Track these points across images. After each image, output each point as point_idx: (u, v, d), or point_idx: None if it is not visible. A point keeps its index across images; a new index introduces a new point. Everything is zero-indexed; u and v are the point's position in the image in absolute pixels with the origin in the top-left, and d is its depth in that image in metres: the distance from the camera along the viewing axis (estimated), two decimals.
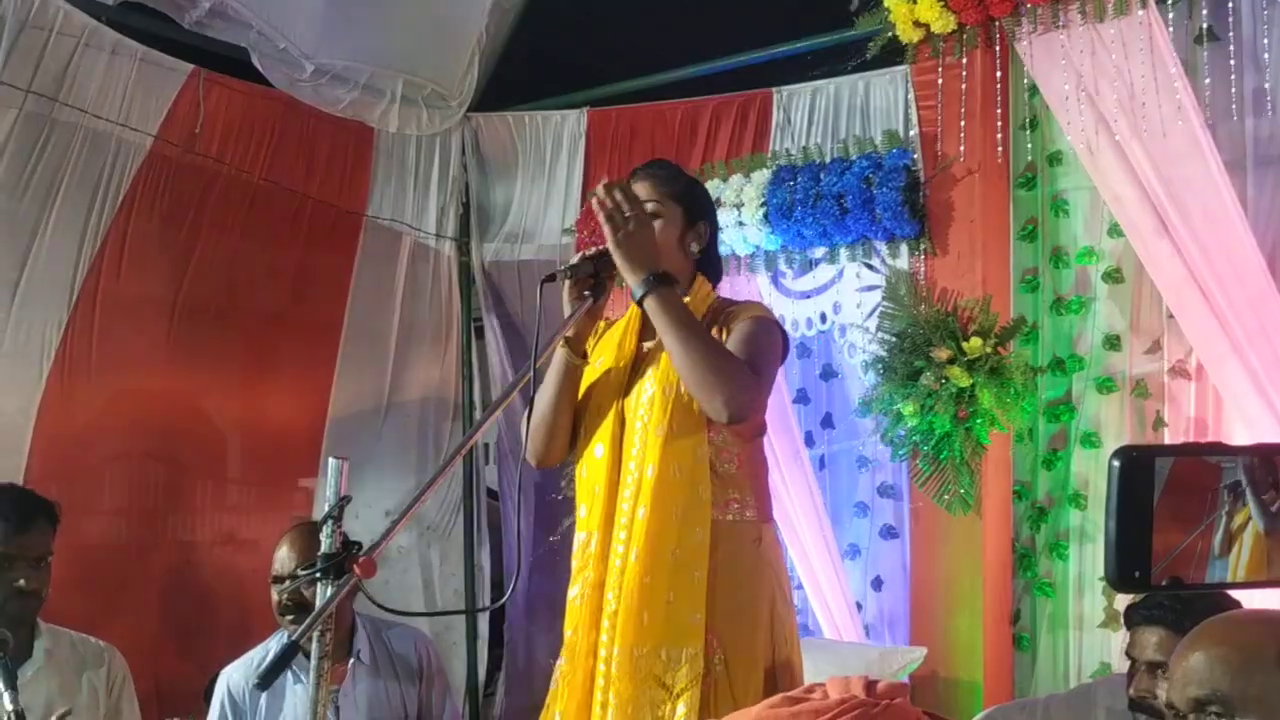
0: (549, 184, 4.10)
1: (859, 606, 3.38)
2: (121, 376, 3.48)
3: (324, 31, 3.73)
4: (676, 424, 2.16)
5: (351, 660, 2.82)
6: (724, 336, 2.22)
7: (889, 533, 3.36)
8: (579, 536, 2.26)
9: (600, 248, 2.23)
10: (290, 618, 2.69)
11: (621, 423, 2.23)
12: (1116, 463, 0.82)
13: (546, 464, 2.35)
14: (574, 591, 2.24)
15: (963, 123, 3.07)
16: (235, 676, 2.81)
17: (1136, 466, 0.82)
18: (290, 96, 3.72)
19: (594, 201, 2.12)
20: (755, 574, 2.18)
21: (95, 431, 3.44)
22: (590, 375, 2.32)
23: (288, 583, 2.71)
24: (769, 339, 2.25)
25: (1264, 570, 0.83)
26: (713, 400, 2.10)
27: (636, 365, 2.28)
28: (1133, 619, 2.28)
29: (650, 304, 2.11)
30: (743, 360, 2.14)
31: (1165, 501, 0.82)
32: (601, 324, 2.37)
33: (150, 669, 3.32)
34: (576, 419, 2.30)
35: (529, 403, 1.95)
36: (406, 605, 4.05)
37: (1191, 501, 0.83)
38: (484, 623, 4.29)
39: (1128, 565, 0.81)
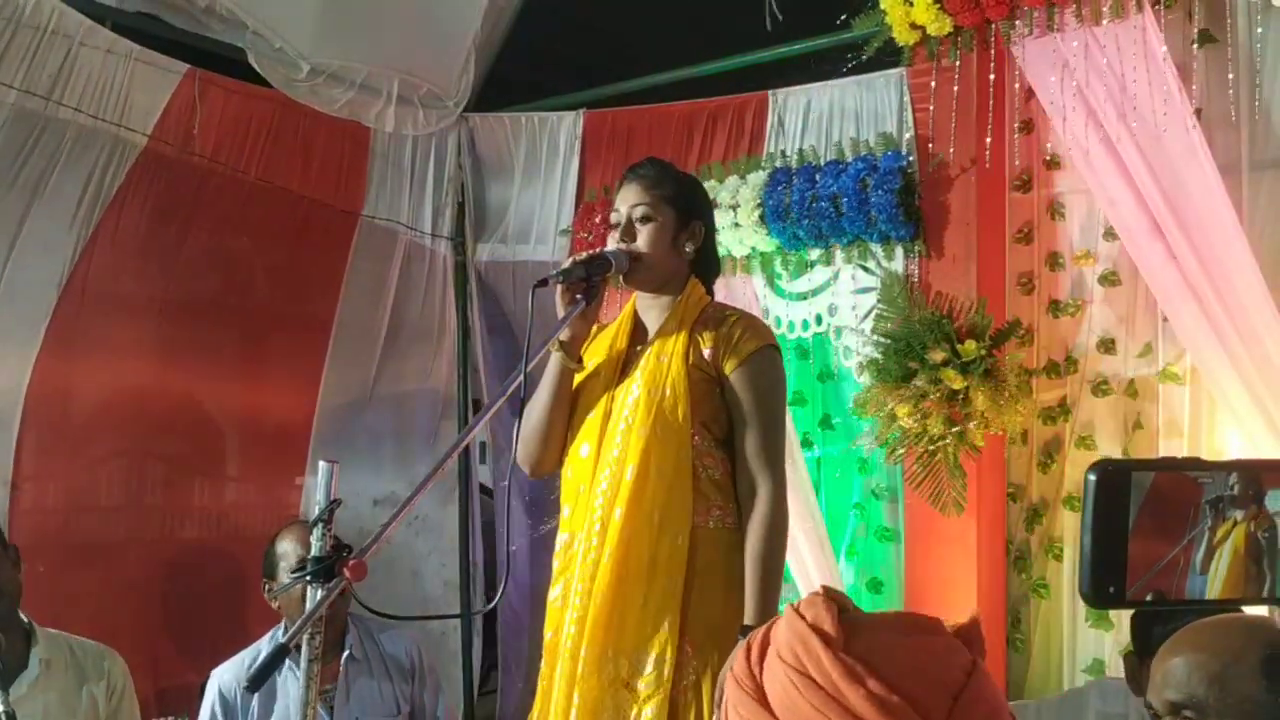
0: (545, 185, 4.09)
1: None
2: (109, 370, 3.47)
3: (320, 31, 3.73)
4: (660, 427, 2.16)
5: (344, 657, 2.82)
6: (722, 353, 2.22)
7: (885, 534, 3.36)
8: (561, 537, 2.26)
9: (593, 252, 2.24)
10: None
11: (608, 423, 2.23)
12: (1093, 476, 0.81)
13: (541, 472, 2.35)
14: (554, 593, 2.24)
15: (957, 123, 3.06)
16: (226, 677, 2.81)
17: (1113, 480, 0.81)
18: (286, 96, 3.72)
19: None
20: (737, 583, 2.18)
21: (83, 426, 3.44)
22: (581, 376, 2.32)
23: (286, 582, 2.72)
24: (779, 390, 2.28)
25: (1242, 587, 0.83)
26: None
27: (626, 367, 2.28)
28: (1148, 631, 2.27)
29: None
30: (758, 463, 2.19)
31: (1146, 516, 0.81)
32: (595, 328, 2.38)
33: (145, 667, 3.32)
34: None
35: (520, 407, 1.95)
36: (394, 595, 4.03)
37: (1173, 517, 0.82)
38: (478, 620, 4.30)
39: (1103, 580, 0.81)
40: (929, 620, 1.01)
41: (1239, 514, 0.85)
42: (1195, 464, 0.84)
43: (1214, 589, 0.84)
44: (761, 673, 0.98)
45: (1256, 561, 0.86)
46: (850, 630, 0.96)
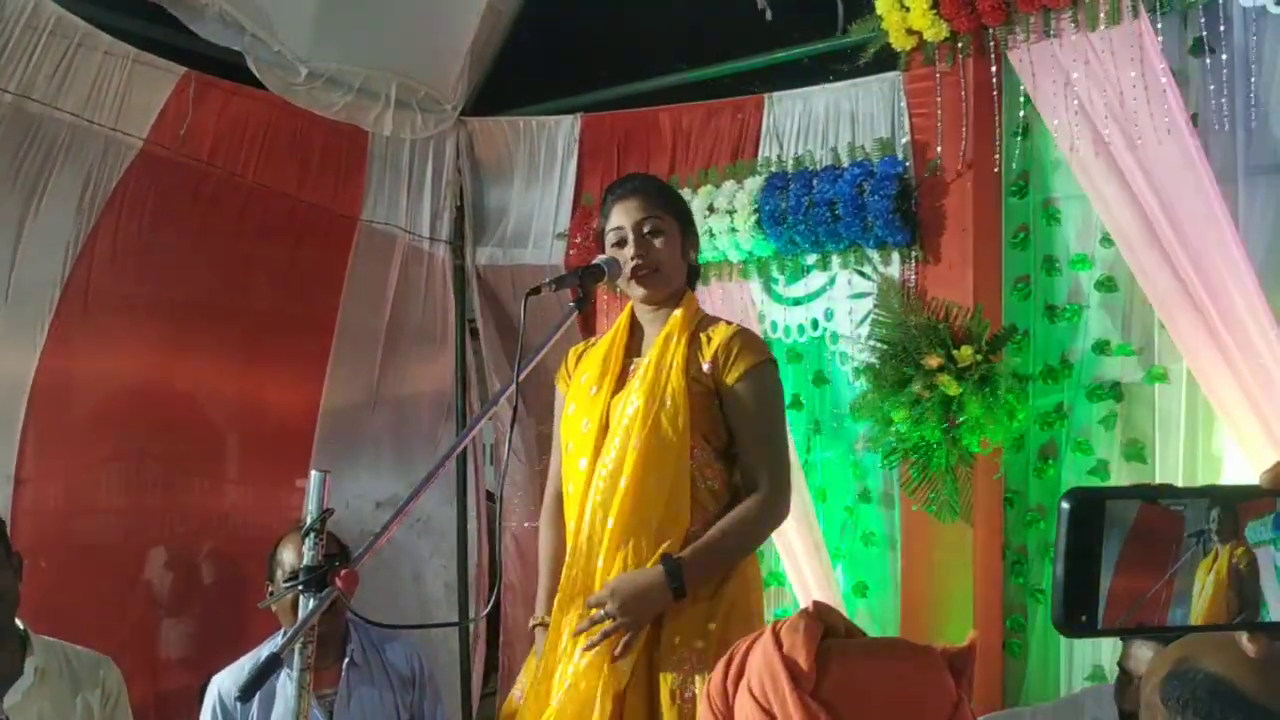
0: (543, 189, 4.09)
1: (847, 613, 3.39)
2: (111, 371, 3.49)
3: (318, 35, 3.73)
4: (658, 438, 2.17)
5: (345, 662, 2.83)
6: (721, 366, 2.23)
7: (876, 539, 3.36)
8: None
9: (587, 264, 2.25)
10: None
11: (604, 434, 2.24)
12: (1065, 505, 0.81)
13: None
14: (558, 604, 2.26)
15: (954, 129, 3.06)
16: (226, 683, 2.82)
17: (1087, 509, 0.81)
18: (284, 100, 3.72)
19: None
20: (735, 588, 2.20)
21: (85, 426, 3.45)
22: (576, 391, 2.33)
23: (278, 592, 2.73)
24: (779, 403, 2.31)
25: (1223, 619, 0.83)
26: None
27: (621, 381, 2.29)
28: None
29: (691, 592, 2.14)
30: (761, 471, 2.22)
31: (1129, 550, 0.81)
32: (581, 345, 2.40)
33: (145, 670, 3.33)
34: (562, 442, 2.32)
35: (513, 418, 1.96)
36: (396, 598, 4.07)
37: (1156, 552, 0.82)
38: (481, 622, 4.31)
39: (1075, 610, 0.80)
40: (917, 652, 0.99)
41: (1220, 547, 0.85)
42: (1169, 491, 0.84)
43: (1195, 621, 0.84)
44: (734, 696, 0.97)
45: (1238, 594, 0.86)
46: (825, 666, 0.94)
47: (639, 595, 2.09)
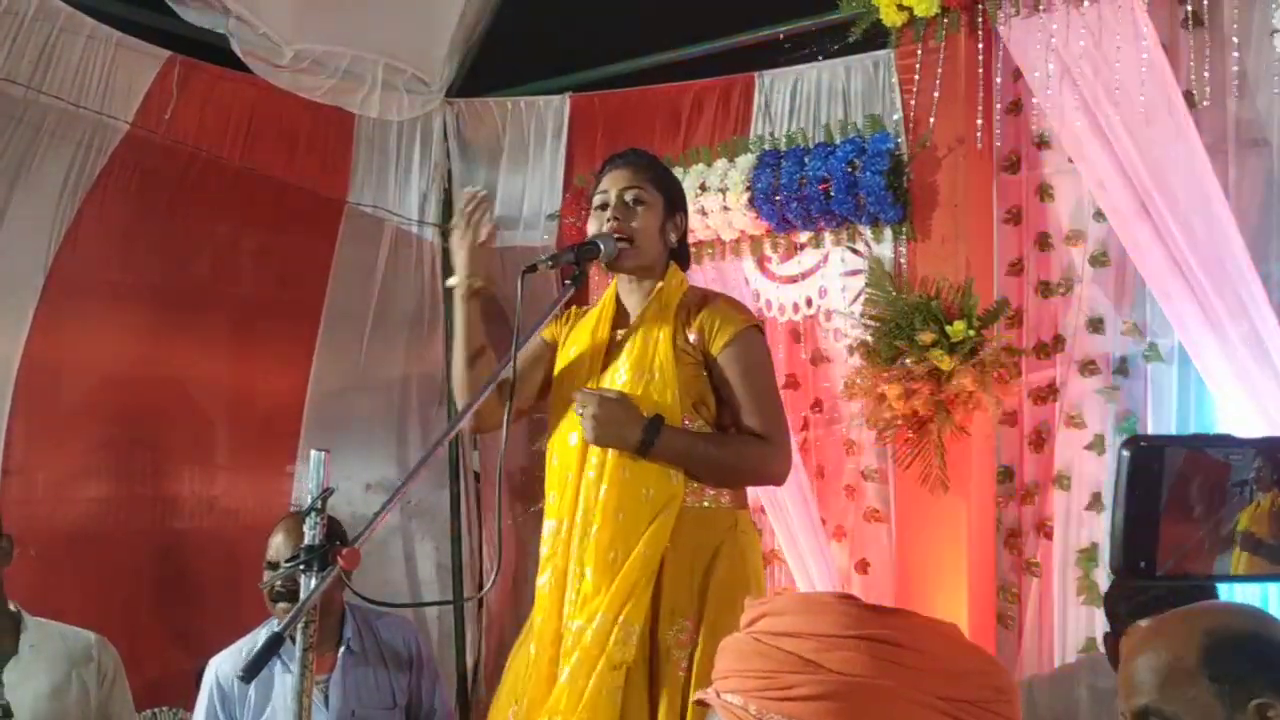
0: (531, 169, 4.07)
1: (844, 588, 3.40)
2: (97, 356, 3.46)
3: (303, 17, 3.70)
4: (648, 410, 2.17)
5: (341, 649, 2.82)
6: (708, 335, 2.23)
7: (875, 515, 3.37)
8: (548, 523, 2.27)
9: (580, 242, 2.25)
10: (282, 605, 2.69)
11: None
12: (1126, 453, 0.81)
13: (485, 426, 2.36)
14: (543, 579, 2.25)
15: (944, 105, 3.06)
16: (224, 666, 2.81)
17: (1146, 457, 0.81)
18: (269, 83, 3.69)
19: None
20: (732, 558, 2.20)
21: (72, 412, 3.43)
22: (564, 362, 2.33)
23: (279, 570, 2.72)
24: (767, 364, 2.31)
25: (1265, 565, 0.83)
26: (763, 485, 2.40)
27: (609, 352, 2.29)
28: (1115, 612, 2.30)
29: (655, 457, 2.14)
30: (760, 427, 2.21)
31: (1176, 495, 0.81)
32: (572, 311, 2.39)
33: (138, 656, 3.31)
34: (521, 386, 2.29)
35: (510, 391, 1.95)
36: (386, 580, 4.06)
37: (1201, 496, 0.82)
38: (472, 605, 4.30)
39: (1134, 556, 0.81)
40: None
41: (1263, 495, 0.85)
42: (1226, 441, 0.85)
43: (1237, 566, 0.85)
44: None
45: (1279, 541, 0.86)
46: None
47: (617, 416, 2.13)
